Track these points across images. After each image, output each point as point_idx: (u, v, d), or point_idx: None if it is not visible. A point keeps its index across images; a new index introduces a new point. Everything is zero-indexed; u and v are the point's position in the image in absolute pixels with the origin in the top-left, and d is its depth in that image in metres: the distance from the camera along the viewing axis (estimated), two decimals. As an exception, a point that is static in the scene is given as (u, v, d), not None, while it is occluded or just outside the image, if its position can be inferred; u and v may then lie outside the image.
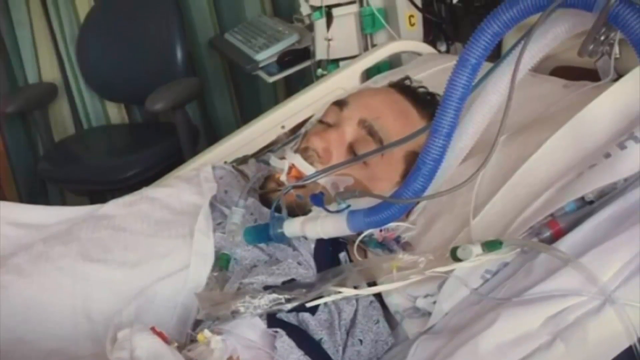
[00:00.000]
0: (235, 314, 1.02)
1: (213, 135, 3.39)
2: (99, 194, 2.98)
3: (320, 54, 2.37)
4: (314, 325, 1.06)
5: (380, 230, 1.25)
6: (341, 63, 2.31)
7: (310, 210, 1.19)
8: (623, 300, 0.86)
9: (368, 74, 2.09)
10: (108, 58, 3.27)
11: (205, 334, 0.94)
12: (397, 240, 1.28)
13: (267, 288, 1.07)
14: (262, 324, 1.03)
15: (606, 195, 1.00)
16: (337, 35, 2.30)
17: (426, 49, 2.11)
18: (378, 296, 1.17)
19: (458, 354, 0.94)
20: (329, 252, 1.23)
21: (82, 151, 3.23)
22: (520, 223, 1.06)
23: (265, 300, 1.03)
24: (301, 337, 1.04)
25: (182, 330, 1.11)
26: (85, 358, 1.13)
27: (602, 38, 0.88)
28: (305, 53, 2.56)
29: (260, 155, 1.82)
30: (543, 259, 0.96)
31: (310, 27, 2.44)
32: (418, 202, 1.28)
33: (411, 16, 2.24)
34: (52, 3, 3.27)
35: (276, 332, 1.02)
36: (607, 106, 1.11)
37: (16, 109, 3.09)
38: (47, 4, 3.28)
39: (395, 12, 2.25)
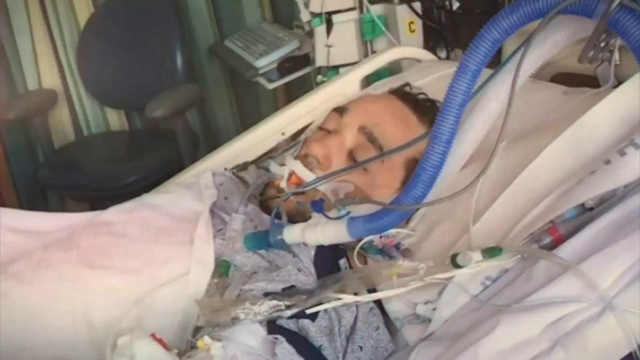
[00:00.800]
0: (235, 320, 1.03)
1: (213, 141, 3.38)
2: (99, 200, 2.97)
3: (320, 60, 2.37)
4: (313, 331, 1.06)
5: (380, 237, 1.25)
6: (341, 69, 2.31)
7: (310, 217, 1.19)
8: (623, 306, 0.86)
9: (368, 80, 2.09)
10: (108, 65, 3.27)
11: (205, 340, 0.94)
12: (397, 246, 1.28)
13: (267, 294, 1.07)
14: (262, 331, 1.03)
15: (606, 202, 1.01)
16: (337, 42, 2.31)
17: (426, 55, 2.11)
18: (378, 303, 1.17)
19: (458, 361, 0.94)
20: (329, 259, 1.23)
21: (82, 158, 3.22)
22: (520, 230, 1.07)
23: (265, 307, 1.03)
24: (301, 343, 1.04)
25: (182, 337, 1.11)
26: (84, 365, 1.14)
27: (602, 45, 0.88)
28: (305, 60, 2.57)
29: (261, 161, 1.83)
30: (543, 265, 0.97)
31: (310, 34, 2.44)
32: (418, 209, 1.28)
33: (411, 23, 2.24)
34: (52, 9, 3.27)
35: (276, 338, 1.02)
36: (607, 113, 1.11)
37: (16, 116, 3.09)
38: (47, 10, 3.28)
39: (395, 19, 2.25)
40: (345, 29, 2.32)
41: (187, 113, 2.89)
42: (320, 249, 1.21)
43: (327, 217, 1.13)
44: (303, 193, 1.24)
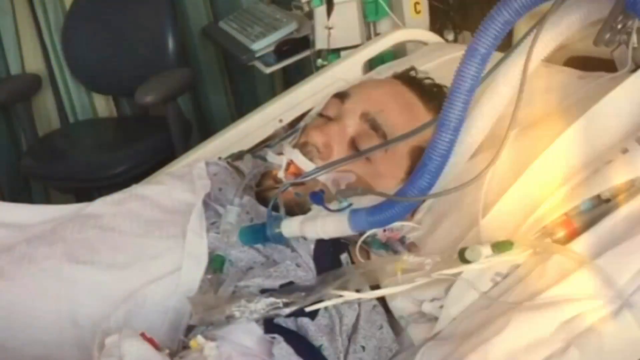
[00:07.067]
0: (230, 318, 1.02)
1: (207, 129, 3.39)
2: (85, 191, 2.97)
3: (320, 43, 2.36)
4: (313, 330, 1.06)
5: (384, 230, 1.24)
6: (342, 53, 2.30)
7: (309, 209, 1.19)
8: (641, 304, 0.86)
9: (371, 64, 2.09)
10: (95, 47, 3.27)
11: (198, 340, 0.94)
12: (402, 240, 1.28)
13: (264, 291, 1.07)
14: (258, 330, 1.03)
15: (623, 193, 1.00)
16: (338, 24, 2.30)
17: (433, 38, 2.11)
18: (382, 300, 1.17)
19: (466, 362, 0.94)
20: (329, 253, 1.23)
21: (67, 146, 3.23)
22: (533, 223, 1.06)
23: (262, 305, 1.03)
24: (300, 343, 1.04)
25: (174, 336, 1.11)
26: (70, 366, 1.13)
27: (619, 26, 0.88)
28: (305, 42, 2.55)
29: (257, 150, 1.82)
30: (556, 260, 0.96)
31: (310, 15, 2.43)
32: (424, 201, 1.28)
33: (417, 3, 2.24)
34: (36, -12, 3.27)
35: (274, 338, 1.02)
36: (624, 98, 1.11)
37: (-2, 102, 3.10)
38: (30, -11, 3.28)
39: (400, -1, 2.25)
40: (347, 9, 2.31)
41: (179, 99, 2.89)
42: (320, 243, 1.21)
43: (328, 209, 1.13)
44: (302, 184, 1.24)
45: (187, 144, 2.76)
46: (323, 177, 1.23)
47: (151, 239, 1.25)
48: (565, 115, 1.19)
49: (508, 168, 1.19)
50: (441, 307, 1.08)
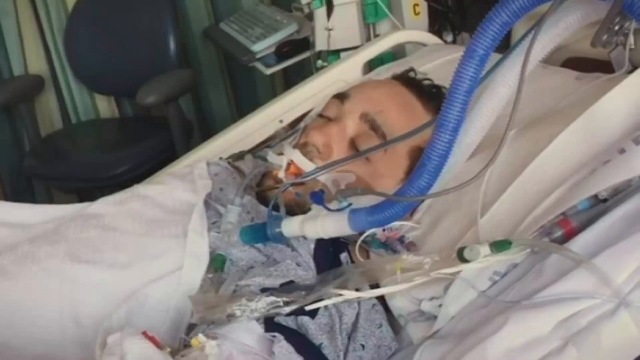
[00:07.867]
0: (231, 317, 1.02)
1: (207, 130, 3.39)
2: (87, 191, 2.98)
3: (320, 44, 2.36)
4: (313, 329, 1.06)
5: (384, 230, 1.24)
6: (342, 54, 2.30)
7: (309, 209, 1.19)
8: (638, 303, 0.86)
9: (371, 65, 2.09)
10: (97, 49, 3.26)
11: (199, 338, 0.93)
12: (401, 240, 1.28)
13: (265, 290, 1.07)
14: (259, 328, 1.03)
15: (621, 193, 1.00)
16: (338, 25, 2.30)
17: (431, 39, 2.11)
18: (381, 299, 1.17)
19: (464, 360, 0.94)
20: (329, 253, 1.23)
21: (70, 147, 3.22)
22: (531, 222, 1.06)
23: (263, 303, 1.03)
24: (300, 341, 1.04)
25: (175, 335, 1.11)
26: (72, 364, 1.13)
27: (617, 28, 0.88)
28: (305, 43, 2.55)
29: (258, 150, 1.82)
30: (554, 260, 0.96)
31: (310, 16, 2.43)
32: (423, 200, 1.28)
33: (416, 5, 2.23)
34: (39, -10, 3.26)
35: (274, 336, 1.02)
36: (621, 99, 1.11)
37: (1, 103, 3.09)
38: (33, -9, 3.28)
39: (399, 1, 2.24)
40: (347, 11, 2.31)
41: (180, 100, 2.89)
42: (320, 242, 1.21)
43: (328, 208, 1.13)
44: (302, 184, 1.24)
45: (188, 145, 2.75)
46: (323, 177, 1.23)
47: (152, 239, 1.25)
48: (563, 115, 1.19)
49: (506, 168, 1.19)
50: (440, 306, 1.08)
